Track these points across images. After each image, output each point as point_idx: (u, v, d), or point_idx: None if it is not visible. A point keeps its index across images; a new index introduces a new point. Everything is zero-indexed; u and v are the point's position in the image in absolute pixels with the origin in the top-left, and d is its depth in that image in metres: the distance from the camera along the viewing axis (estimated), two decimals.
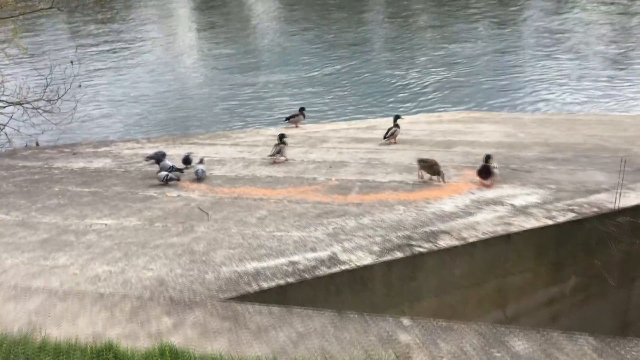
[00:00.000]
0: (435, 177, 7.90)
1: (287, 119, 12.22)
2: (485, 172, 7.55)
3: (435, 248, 5.67)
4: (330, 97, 17.18)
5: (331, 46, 24.41)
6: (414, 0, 34.22)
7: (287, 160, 9.30)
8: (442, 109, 15.98)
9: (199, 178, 8.37)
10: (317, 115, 15.33)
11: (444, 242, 5.79)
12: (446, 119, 13.10)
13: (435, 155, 9.30)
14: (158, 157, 8.66)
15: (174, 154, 9.56)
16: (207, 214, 6.92)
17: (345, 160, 9.29)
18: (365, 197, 7.42)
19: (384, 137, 10.42)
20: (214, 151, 10.11)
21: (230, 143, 10.93)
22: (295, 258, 5.54)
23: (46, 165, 9.54)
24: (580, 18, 26.76)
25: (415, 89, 18.02)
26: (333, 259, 5.52)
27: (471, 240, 5.82)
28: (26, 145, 11.77)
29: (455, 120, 12.95)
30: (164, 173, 8.27)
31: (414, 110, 15.86)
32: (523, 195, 7.23)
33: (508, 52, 21.69)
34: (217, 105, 16.03)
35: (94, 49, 25.88)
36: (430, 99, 17.10)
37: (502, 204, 6.96)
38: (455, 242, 5.78)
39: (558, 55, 20.98)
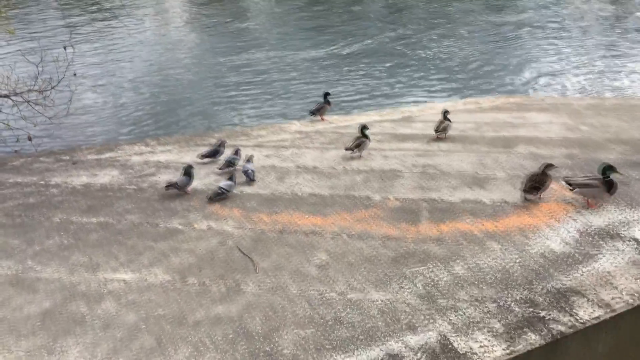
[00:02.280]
0: (532, 195, 6.27)
1: (312, 112, 10.41)
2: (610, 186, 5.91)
3: (577, 324, 4.08)
4: (345, 80, 15.33)
5: (343, 23, 22.38)
6: None
7: (360, 156, 8.04)
8: (471, 94, 14.22)
9: (251, 180, 7.19)
10: (336, 101, 13.53)
11: (585, 312, 4.21)
12: (487, 106, 11.39)
13: (500, 159, 7.69)
14: (215, 151, 8.04)
15: (192, 160, 7.85)
16: (252, 260, 5.27)
17: (395, 169, 7.63)
18: (441, 227, 5.80)
19: (436, 131, 8.77)
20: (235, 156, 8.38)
21: (253, 144, 9.17)
22: (393, 346, 3.94)
23: (42, 182, 7.78)
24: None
25: (437, 68, 16.19)
26: (447, 348, 3.92)
27: (618, 307, 4.24)
28: (16, 152, 9.97)
29: (497, 107, 11.25)
30: (225, 184, 6.78)
31: (442, 95, 14.09)
32: (638, 224, 5.64)
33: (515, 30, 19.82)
34: (225, 97, 14.13)
35: (88, 29, 23.67)
36: (460, 79, 15.31)
37: (620, 237, 5.37)
38: (599, 311, 4.20)
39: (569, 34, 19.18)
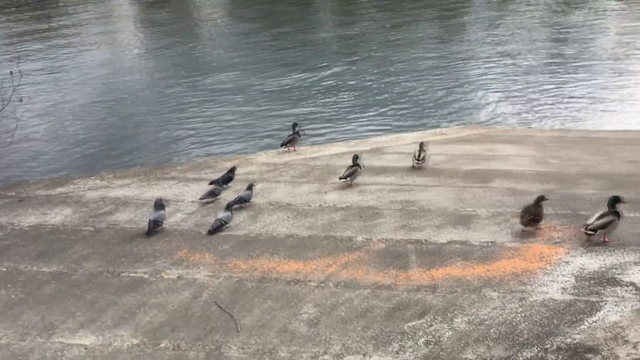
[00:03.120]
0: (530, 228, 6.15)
1: (284, 144, 9.97)
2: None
3: None
4: (306, 107, 14.95)
5: (299, 46, 22.10)
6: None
7: (352, 182, 7.94)
8: (428, 124, 14.09)
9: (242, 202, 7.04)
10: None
11: None
12: (453, 138, 11.24)
13: (479, 195, 7.41)
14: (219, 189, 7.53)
15: (150, 197, 7.21)
16: (232, 316, 4.69)
17: (374, 205, 7.22)
18: (432, 272, 5.39)
19: (417, 160, 8.68)
20: (202, 190, 7.80)
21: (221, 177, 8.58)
22: None
23: None
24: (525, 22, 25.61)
25: (395, 100, 16.05)
26: None
27: None
28: None
29: (464, 139, 11.12)
30: (223, 215, 6.47)
31: (402, 126, 13.88)
32: (632, 266, 5.40)
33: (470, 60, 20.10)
34: (184, 125, 13.43)
35: (33, 50, 22.46)
36: (417, 110, 15.19)
37: (617, 282, 5.09)
38: None
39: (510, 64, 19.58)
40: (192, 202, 7.47)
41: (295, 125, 10.06)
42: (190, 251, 5.98)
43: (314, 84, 16.87)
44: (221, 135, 12.74)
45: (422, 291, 5.03)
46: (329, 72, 18.11)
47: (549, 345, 4.15)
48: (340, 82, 17.09)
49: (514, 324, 4.47)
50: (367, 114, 14.34)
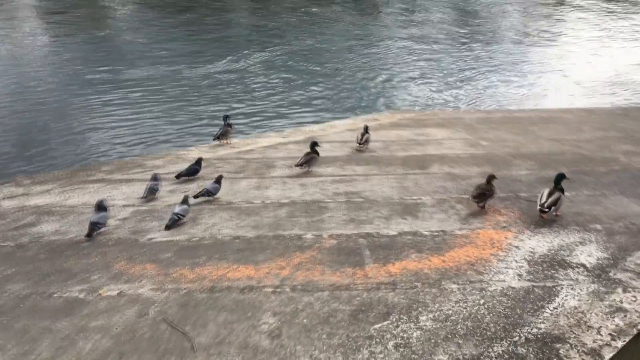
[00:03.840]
0: (480, 201, 6.34)
1: (217, 137, 9.45)
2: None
3: None
4: (233, 99, 14.36)
5: (217, 37, 21.24)
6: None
7: (310, 171, 7.85)
8: (360, 109, 13.98)
9: (209, 194, 6.72)
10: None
11: None
12: (386, 123, 11.14)
13: (420, 182, 7.32)
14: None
15: (76, 203, 6.55)
16: (185, 334, 4.26)
17: (318, 199, 6.93)
18: (389, 267, 5.19)
19: (358, 144, 8.84)
20: (135, 192, 7.20)
21: (151, 177, 7.97)
22: None
23: None
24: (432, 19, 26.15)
25: (324, 86, 15.79)
26: None
27: (606, 352, 3.88)
28: None
29: (396, 124, 11.05)
30: (180, 209, 6.19)
31: (334, 112, 13.65)
32: (578, 246, 5.46)
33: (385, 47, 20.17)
34: (103, 121, 12.47)
35: None
36: (347, 96, 15.00)
37: (567, 264, 5.12)
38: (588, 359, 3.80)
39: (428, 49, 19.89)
40: (124, 206, 6.86)
41: (226, 117, 9.56)
42: (129, 262, 5.44)
43: (239, 75, 16.26)
44: (146, 132, 11.94)
45: (382, 289, 4.81)
46: (252, 62, 17.53)
47: (517, 338, 4.06)
48: (264, 72, 16.59)
49: (479, 317, 4.34)
50: (296, 104, 13.99)
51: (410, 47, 19.05)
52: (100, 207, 6.10)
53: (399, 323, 4.32)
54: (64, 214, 6.64)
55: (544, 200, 5.98)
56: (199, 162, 7.66)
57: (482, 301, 4.56)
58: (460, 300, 4.59)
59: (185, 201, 6.30)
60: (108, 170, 8.31)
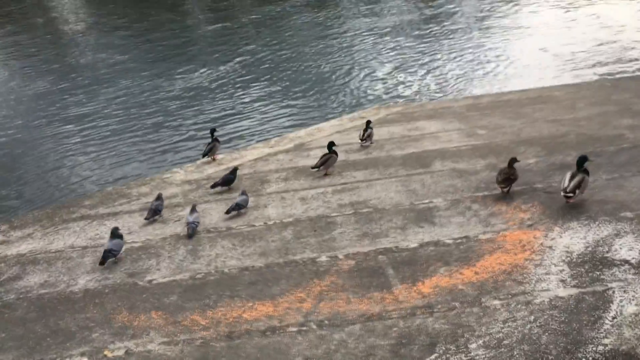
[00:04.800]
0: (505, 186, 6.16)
1: (205, 153, 8.86)
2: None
3: None
4: (210, 112, 13.68)
5: (177, 49, 20.47)
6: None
7: (328, 171, 7.52)
8: (342, 108, 13.46)
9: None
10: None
11: None
12: (373, 120, 10.60)
13: (427, 182, 6.86)
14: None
15: (62, 246, 5.91)
16: None
17: (323, 214, 6.41)
18: (420, 287, 4.70)
19: (361, 140, 8.52)
20: (124, 227, 6.56)
21: (138, 207, 7.36)
22: None
23: None
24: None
25: (300, 88, 15.23)
26: None
27: None
28: None
29: (384, 120, 10.55)
30: (193, 217, 6.22)
31: (318, 114, 13.09)
32: (614, 240, 5.05)
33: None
34: (76, 150, 11.63)
35: None
36: (324, 96, 14.47)
37: (610, 262, 4.69)
38: None
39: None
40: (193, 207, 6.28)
41: (213, 131, 8.97)
42: (132, 312, 4.84)
43: (211, 85, 15.58)
44: (124, 156, 11.22)
45: (419, 314, 4.32)
46: (223, 70, 16.85)
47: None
48: (237, 81, 15.93)
49: (534, 338, 3.88)
50: (276, 110, 13.41)
51: (378, 39, 18.62)
52: (115, 234, 5.73)
53: (448, 355, 3.83)
54: (50, 262, 5.98)
55: (566, 184, 5.61)
56: (234, 171, 7.45)
57: (532, 318, 4.10)
58: (508, 319, 4.12)
59: (194, 209, 6.28)
60: (91, 204, 7.64)
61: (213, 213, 6.81)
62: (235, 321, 4.53)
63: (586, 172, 5.68)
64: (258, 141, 10.70)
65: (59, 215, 7.37)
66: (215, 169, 8.62)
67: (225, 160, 9.01)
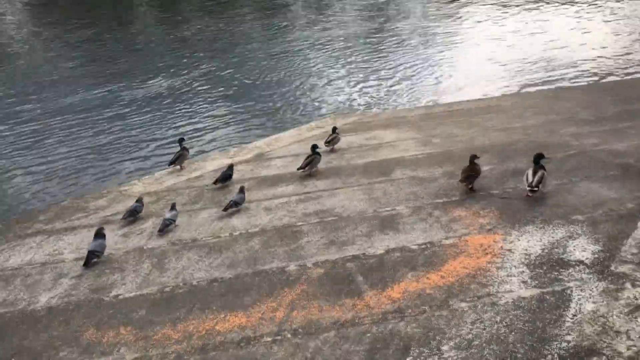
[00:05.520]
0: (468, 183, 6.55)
1: (172, 162, 8.78)
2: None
3: None
4: (165, 122, 13.47)
5: (131, 54, 20.06)
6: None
7: (312, 171, 7.91)
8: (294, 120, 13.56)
9: (161, 230, 6.40)
10: (164, 149, 11.74)
11: None
12: (331, 129, 10.73)
13: (389, 190, 7.02)
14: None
15: (19, 262, 5.69)
16: None
17: (289, 223, 6.44)
18: (389, 293, 4.80)
19: (326, 143, 8.82)
20: (84, 242, 6.37)
21: (97, 221, 7.18)
22: None
23: None
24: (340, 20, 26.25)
25: (251, 98, 15.22)
26: None
27: None
28: None
29: (341, 130, 10.67)
30: (170, 214, 6.57)
31: (269, 126, 13.12)
32: (568, 241, 5.31)
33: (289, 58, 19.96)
34: (27, 162, 11.23)
35: None
36: (273, 107, 14.51)
37: (566, 263, 4.94)
38: None
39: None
40: (76, 259, 6.05)
41: (181, 140, 8.94)
42: (99, 329, 4.72)
43: (164, 94, 15.33)
44: (78, 167, 10.88)
45: (390, 319, 4.41)
46: (177, 81, 16.61)
47: (550, 357, 3.77)
48: (191, 91, 15.74)
49: (502, 338, 4.04)
50: (233, 120, 13.33)
51: (331, 50, 18.83)
52: (99, 234, 5.91)
53: (422, 358, 3.93)
54: (8, 279, 5.75)
55: (530, 179, 6.10)
56: (231, 167, 7.89)
57: (498, 318, 4.26)
58: (476, 320, 4.26)
59: (173, 207, 6.61)
60: (46, 218, 7.38)
61: (176, 225, 6.71)
62: (208, 333, 4.49)
63: (543, 168, 6.16)
64: (216, 151, 10.60)
65: (12, 231, 7.09)
66: (175, 181, 8.52)
67: (184, 171, 8.91)
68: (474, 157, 6.61)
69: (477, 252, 5.29)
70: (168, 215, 6.50)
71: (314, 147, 7.96)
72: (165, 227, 6.36)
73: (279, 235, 6.13)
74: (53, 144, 12.28)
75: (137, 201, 6.97)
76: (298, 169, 7.78)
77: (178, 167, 8.69)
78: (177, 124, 13.01)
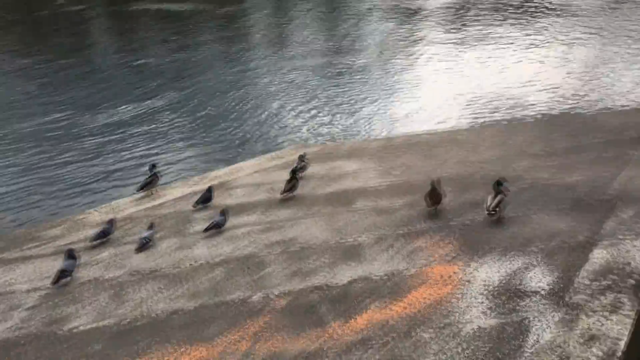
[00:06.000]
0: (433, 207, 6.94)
1: (142, 187, 8.67)
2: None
3: None
4: (117, 151, 13.22)
5: (84, 81, 19.72)
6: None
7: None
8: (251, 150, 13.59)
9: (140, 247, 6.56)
10: (121, 179, 11.51)
11: None
12: (292, 160, 10.79)
13: (350, 220, 7.10)
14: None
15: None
16: None
17: (253, 253, 6.42)
18: (353, 323, 4.82)
19: (293, 172, 8.51)
20: (37, 272, 6.15)
21: (51, 251, 6.96)
22: None
23: None
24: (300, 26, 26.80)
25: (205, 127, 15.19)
26: None
27: None
28: None
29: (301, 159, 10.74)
30: (147, 233, 6.73)
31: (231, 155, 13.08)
32: (525, 272, 5.49)
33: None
34: None
35: None
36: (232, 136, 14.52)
37: (523, 294, 5.10)
38: None
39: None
40: (29, 291, 5.83)
41: (153, 166, 8.86)
42: None
43: (126, 122, 15.09)
44: (32, 196, 10.53)
45: (355, 350, 4.43)
46: (137, 107, 16.39)
47: None
48: (148, 118, 15.53)
49: None
50: (193, 149, 13.24)
51: (292, 80, 19.06)
52: (70, 255, 5.95)
53: None
54: None
55: (489, 203, 6.48)
56: (210, 189, 7.97)
57: (459, 349, 4.34)
58: (439, 351, 4.33)
59: (151, 227, 6.78)
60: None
61: (133, 255, 6.57)
62: None
63: (503, 193, 6.52)
64: (177, 181, 10.47)
65: None
66: (133, 210, 8.37)
67: (144, 200, 8.76)
68: (433, 182, 6.98)
69: (438, 282, 5.39)
70: (145, 234, 6.63)
71: (294, 171, 8.24)
72: (143, 246, 6.51)
73: (242, 265, 6.09)
74: (4, 171, 11.87)
75: (107, 223, 7.02)
76: (281, 194, 7.96)
77: (150, 192, 8.62)
78: (136, 153, 12.81)
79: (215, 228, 6.90)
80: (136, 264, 6.25)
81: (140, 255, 6.51)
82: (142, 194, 8.63)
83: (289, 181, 8.06)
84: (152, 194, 8.59)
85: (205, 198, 7.86)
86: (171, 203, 8.47)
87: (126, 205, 8.43)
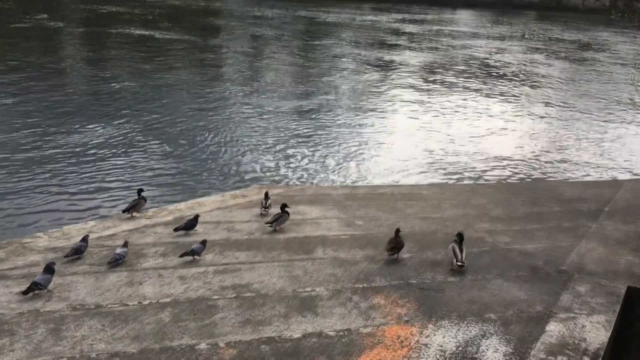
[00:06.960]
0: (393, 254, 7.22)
1: (128, 209, 8.48)
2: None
3: None
4: (67, 181, 12.79)
5: (40, 110, 19.26)
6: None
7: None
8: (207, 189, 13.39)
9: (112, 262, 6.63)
10: (64, 208, 11.09)
11: None
12: (256, 200, 10.64)
13: (309, 270, 6.96)
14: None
15: None
16: None
17: (204, 296, 6.16)
18: None
19: (271, 224, 8.32)
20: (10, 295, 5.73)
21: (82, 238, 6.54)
22: None
23: None
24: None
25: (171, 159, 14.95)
26: None
27: None
28: None
29: (258, 203, 10.59)
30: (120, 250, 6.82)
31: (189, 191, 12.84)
32: (481, 340, 5.42)
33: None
34: None
35: None
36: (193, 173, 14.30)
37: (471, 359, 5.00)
38: None
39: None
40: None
41: (141, 190, 8.89)
42: None
43: (81, 148, 14.68)
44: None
45: None
46: (96, 133, 16.02)
47: None
48: (106, 145, 15.18)
49: None
50: (150, 180, 12.93)
51: (260, 119, 19.10)
52: (49, 269, 5.91)
53: None
54: None
55: (459, 255, 6.86)
56: (196, 217, 8.03)
57: None
58: None
59: (125, 245, 6.89)
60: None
61: (80, 287, 6.23)
62: None
63: (460, 244, 6.90)
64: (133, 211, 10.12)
65: None
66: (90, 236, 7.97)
67: (96, 229, 8.40)
68: (398, 231, 7.28)
69: (394, 344, 5.26)
70: (119, 250, 6.74)
71: (284, 205, 8.34)
72: (115, 262, 6.63)
73: (192, 308, 5.83)
74: None
75: (82, 240, 6.99)
76: (266, 224, 8.11)
77: (134, 214, 8.61)
78: (93, 180, 12.42)
79: (191, 255, 6.89)
80: (80, 297, 5.91)
81: (85, 287, 6.17)
82: (127, 215, 8.65)
83: (277, 214, 8.28)
84: (135, 215, 8.50)
85: (188, 225, 7.89)
86: (124, 234, 8.14)
87: (76, 232, 8.05)
